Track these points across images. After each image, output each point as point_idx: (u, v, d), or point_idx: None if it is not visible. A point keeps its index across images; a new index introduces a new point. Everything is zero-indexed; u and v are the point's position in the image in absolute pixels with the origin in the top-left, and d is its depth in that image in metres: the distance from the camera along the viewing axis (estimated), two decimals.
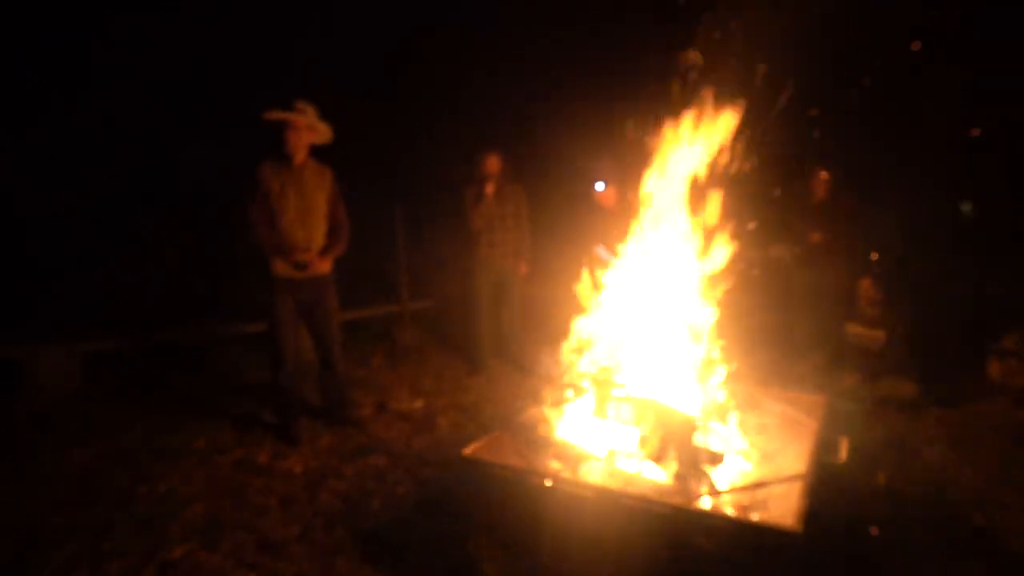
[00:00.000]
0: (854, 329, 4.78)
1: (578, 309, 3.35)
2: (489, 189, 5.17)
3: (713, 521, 2.21)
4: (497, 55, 7.79)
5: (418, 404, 4.71)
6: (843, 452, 2.75)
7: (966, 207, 8.36)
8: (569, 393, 3.08)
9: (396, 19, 7.95)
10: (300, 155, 3.81)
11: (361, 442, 3.94)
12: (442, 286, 6.65)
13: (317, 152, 3.98)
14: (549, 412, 3.08)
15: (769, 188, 6.00)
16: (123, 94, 6.71)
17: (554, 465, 2.93)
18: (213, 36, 6.73)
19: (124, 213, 6.61)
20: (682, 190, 3.30)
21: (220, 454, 3.75)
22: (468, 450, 2.79)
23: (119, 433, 4.06)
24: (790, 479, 2.47)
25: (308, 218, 3.82)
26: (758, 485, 2.58)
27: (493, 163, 5.19)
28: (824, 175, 5.35)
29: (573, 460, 2.90)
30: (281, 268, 3.80)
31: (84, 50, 6.44)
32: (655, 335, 3.23)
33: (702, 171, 3.28)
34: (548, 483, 2.56)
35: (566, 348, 3.25)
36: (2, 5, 6.00)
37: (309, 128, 3.79)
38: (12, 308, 5.62)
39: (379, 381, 5.31)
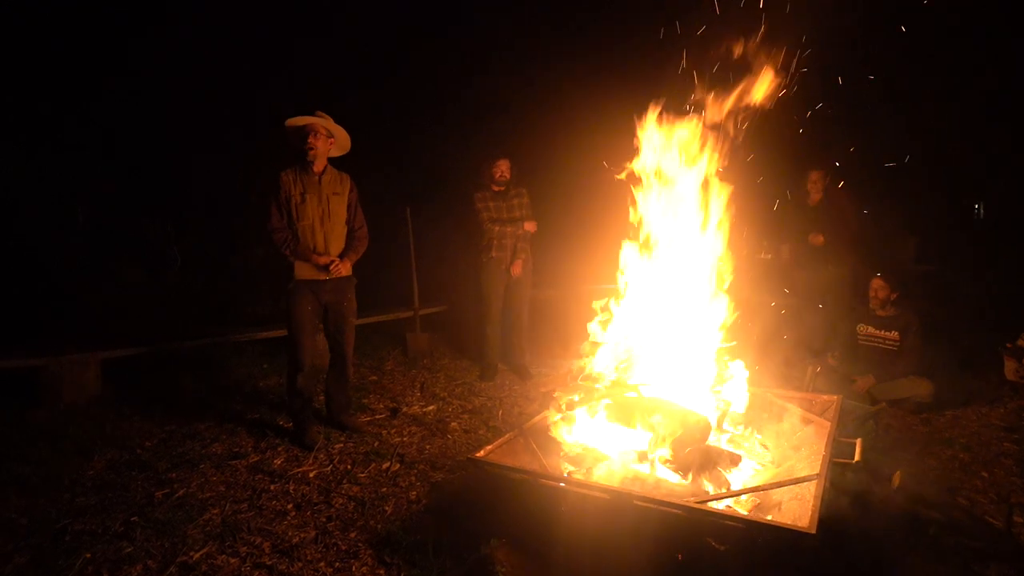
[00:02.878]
0: (867, 330, 4.75)
1: (590, 311, 3.37)
2: (498, 193, 5.23)
3: (727, 522, 2.21)
4: (503, 56, 7.83)
5: (430, 408, 4.73)
6: (857, 453, 2.73)
7: (980, 208, 8.30)
8: (581, 395, 3.08)
9: (402, 21, 8.00)
10: (320, 162, 3.93)
11: (374, 446, 3.97)
12: (453, 290, 6.67)
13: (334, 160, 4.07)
14: (561, 415, 3.09)
15: (779, 190, 6.01)
16: (133, 105, 6.80)
17: (566, 467, 2.94)
18: (220, 44, 6.81)
19: (137, 222, 6.69)
20: (693, 193, 3.32)
21: (236, 459, 3.79)
22: (481, 453, 2.81)
23: (137, 439, 4.11)
24: (804, 480, 2.46)
25: (326, 223, 3.93)
26: (772, 486, 2.58)
27: (503, 168, 5.22)
28: (816, 176, 5.40)
29: (586, 462, 2.91)
30: (303, 271, 3.89)
31: (94, 61, 6.53)
32: (668, 337, 3.24)
33: (711, 174, 3.30)
34: (561, 485, 2.57)
35: (579, 350, 3.26)
36: (7, 15, 6.10)
37: (328, 136, 3.91)
38: (29, 318, 5.70)
39: (392, 385, 5.34)
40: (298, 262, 3.89)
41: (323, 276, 3.93)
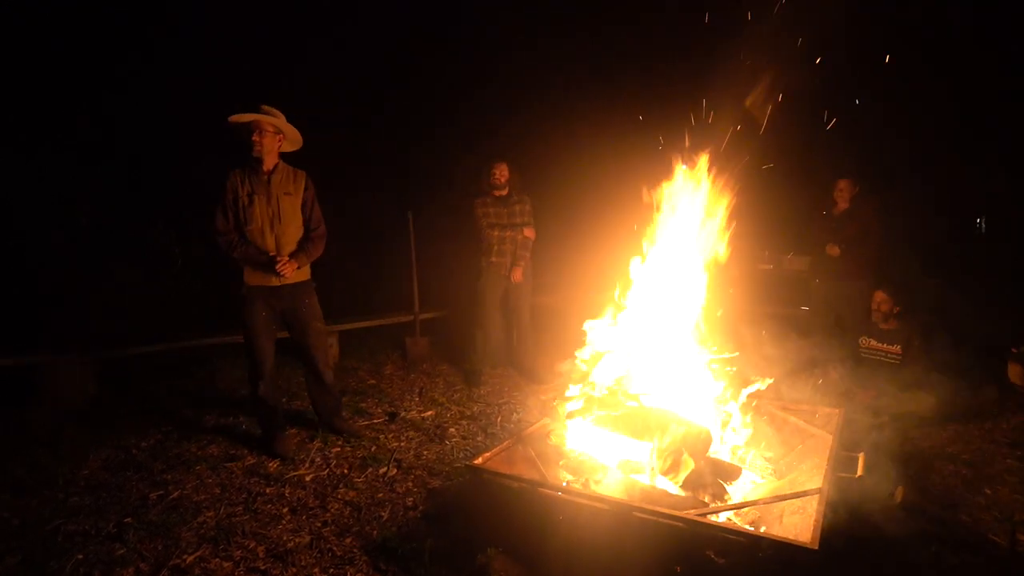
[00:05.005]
0: (869, 343, 4.72)
1: (590, 318, 3.35)
2: (499, 199, 5.23)
3: (728, 536, 2.18)
4: (505, 61, 7.84)
5: (429, 413, 4.70)
6: (860, 467, 2.70)
7: (982, 221, 8.30)
8: (581, 404, 3.06)
9: (405, 26, 8.02)
10: (269, 160, 3.70)
11: (371, 451, 3.94)
12: (453, 295, 6.66)
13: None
14: (561, 423, 3.06)
15: (790, 199, 5.97)
16: (134, 105, 6.80)
17: (565, 476, 2.91)
18: (222, 44, 6.82)
19: (136, 224, 6.68)
20: (697, 202, 3.30)
21: (232, 461, 3.76)
22: (479, 460, 2.78)
23: (132, 439, 4.09)
24: (806, 494, 2.43)
25: (277, 226, 3.71)
26: (774, 499, 2.55)
27: (500, 172, 5.23)
28: (844, 184, 5.29)
29: (585, 472, 2.88)
30: (254, 276, 3.72)
31: (95, 61, 6.53)
32: (669, 346, 3.21)
33: (717, 181, 3.29)
34: (559, 495, 2.54)
35: (579, 358, 3.24)
36: (11, 17, 6.11)
37: (276, 132, 3.70)
38: (28, 318, 5.68)
39: (390, 390, 5.31)
40: (248, 268, 3.69)
41: (275, 281, 3.70)
